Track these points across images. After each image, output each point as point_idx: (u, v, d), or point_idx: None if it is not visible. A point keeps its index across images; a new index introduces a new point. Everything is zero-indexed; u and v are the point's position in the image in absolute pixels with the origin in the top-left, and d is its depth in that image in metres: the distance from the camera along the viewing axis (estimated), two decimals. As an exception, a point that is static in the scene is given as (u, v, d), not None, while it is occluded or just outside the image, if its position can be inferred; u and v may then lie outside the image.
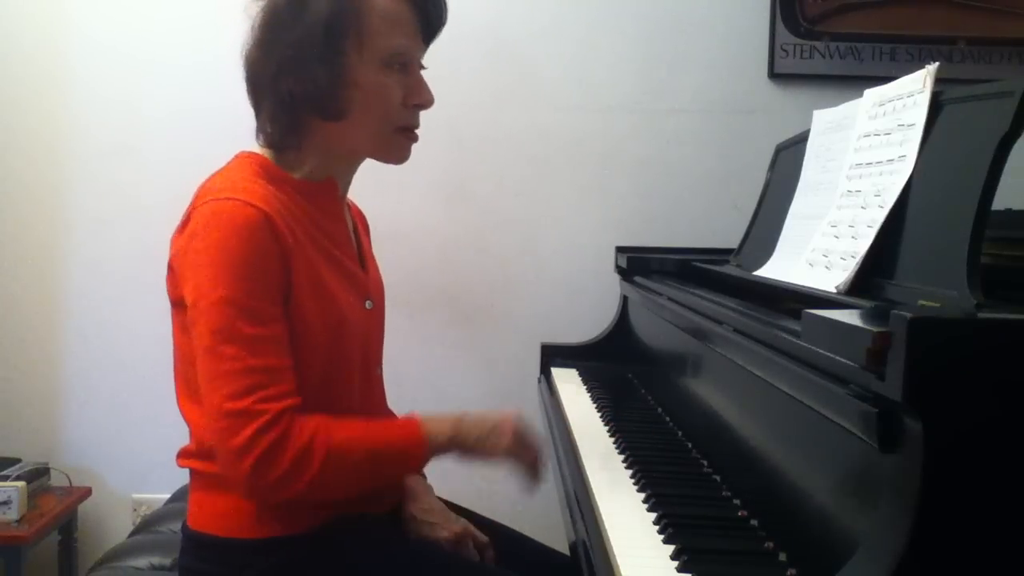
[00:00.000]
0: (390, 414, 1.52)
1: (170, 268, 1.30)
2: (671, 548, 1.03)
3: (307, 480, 1.20)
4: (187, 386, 1.32)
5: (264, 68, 1.32)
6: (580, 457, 1.46)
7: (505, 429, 1.34)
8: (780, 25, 2.52)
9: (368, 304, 1.41)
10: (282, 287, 1.25)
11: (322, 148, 1.36)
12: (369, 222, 1.59)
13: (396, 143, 1.39)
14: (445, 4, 1.40)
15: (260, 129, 1.37)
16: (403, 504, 1.48)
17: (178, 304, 1.30)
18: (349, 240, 1.44)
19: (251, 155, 1.37)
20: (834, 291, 1.23)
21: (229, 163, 1.37)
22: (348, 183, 1.45)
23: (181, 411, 1.34)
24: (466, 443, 1.33)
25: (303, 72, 1.29)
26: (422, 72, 1.39)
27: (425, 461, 1.34)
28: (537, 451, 1.38)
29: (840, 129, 1.48)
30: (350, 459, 1.25)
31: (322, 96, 1.30)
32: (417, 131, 1.40)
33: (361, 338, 1.39)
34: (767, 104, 2.54)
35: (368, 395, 1.43)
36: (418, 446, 1.30)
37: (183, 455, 1.36)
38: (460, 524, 1.48)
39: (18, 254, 2.55)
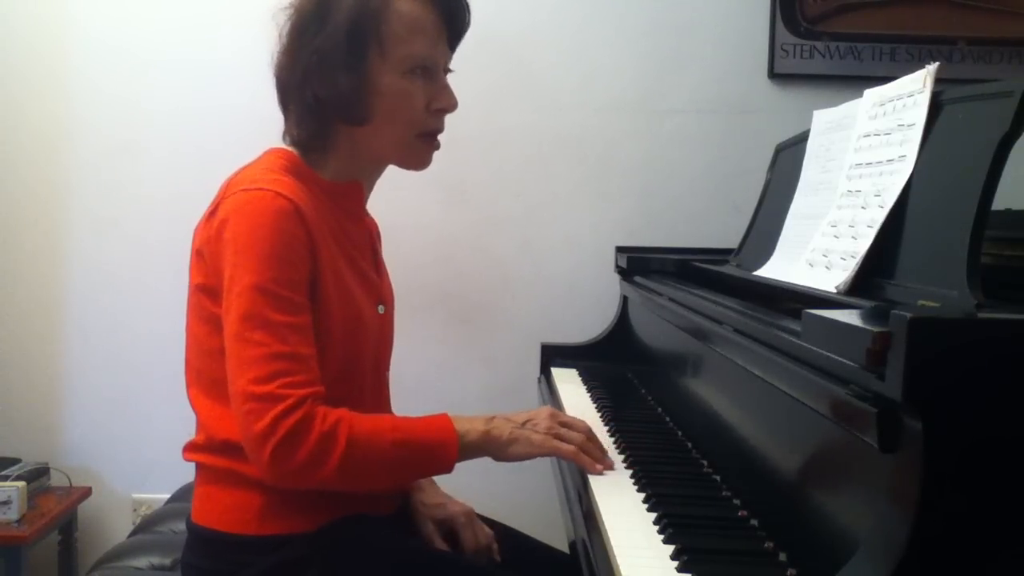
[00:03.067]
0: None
1: (196, 254, 1.32)
2: (671, 548, 1.03)
3: (330, 467, 1.19)
4: (198, 376, 1.33)
5: (291, 73, 1.35)
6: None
7: (540, 417, 1.35)
8: (780, 25, 2.52)
9: (380, 308, 1.43)
10: (309, 277, 1.26)
11: (346, 151, 1.39)
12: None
13: (418, 149, 1.40)
14: (468, 7, 1.41)
15: (287, 132, 1.40)
16: (409, 498, 1.50)
17: (201, 289, 1.30)
18: (367, 244, 1.46)
19: (281, 151, 1.39)
20: (834, 291, 1.23)
21: (259, 158, 1.38)
22: (371, 188, 1.47)
23: (191, 402, 1.35)
24: (500, 439, 1.30)
25: (327, 78, 1.32)
26: (449, 75, 1.41)
27: (456, 458, 1.28)
28: (585, 426, 1.36)
29: (840, 129, 1.48)
30: (376, 450, 1.24)
31: (346, 101, 1.33)
32: (440, 137, 1.41)
33: (374, 339, 1.40)
34: (767, 104, 2.54)
35: (377, 397, 1.45)
36: (449, 443, 1.27)
37: (190, 448, 1.36)
38: (467, 505, 1.51)
39: (19, 253, 2.55)
